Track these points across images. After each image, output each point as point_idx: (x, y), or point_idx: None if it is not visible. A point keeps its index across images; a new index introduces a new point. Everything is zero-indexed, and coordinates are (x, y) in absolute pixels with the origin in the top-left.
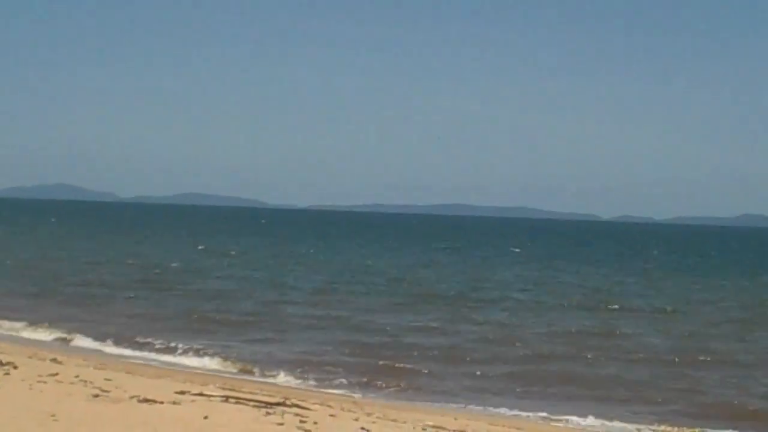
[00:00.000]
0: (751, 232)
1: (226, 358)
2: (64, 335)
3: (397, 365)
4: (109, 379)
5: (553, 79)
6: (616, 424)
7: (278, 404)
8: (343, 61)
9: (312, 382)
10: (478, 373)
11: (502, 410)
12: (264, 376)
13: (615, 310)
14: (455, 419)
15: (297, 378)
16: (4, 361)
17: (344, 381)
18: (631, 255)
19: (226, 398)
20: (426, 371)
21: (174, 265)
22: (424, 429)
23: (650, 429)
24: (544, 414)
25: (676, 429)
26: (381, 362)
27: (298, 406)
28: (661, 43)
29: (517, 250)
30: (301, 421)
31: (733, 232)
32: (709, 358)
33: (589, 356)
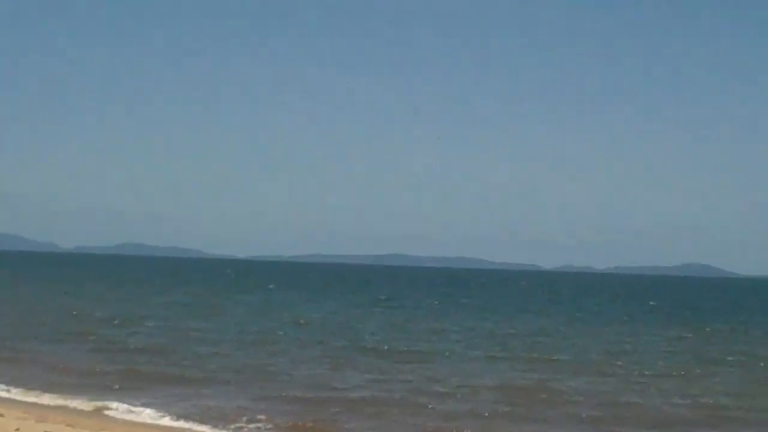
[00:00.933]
0: (692, 281)
1: (159, 411)
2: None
3: (322, 419)
4: None
5: (488, 128)
6: None
7: None
8: (283, 107)
9: None
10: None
11: None
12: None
13: (544, 360)
14: None
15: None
16: None
17: None
18: (568, 303)
19: None
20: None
21: (108, 315)
22: None
23: None
24: None
25: None
26: (304, 415)
27: None
28: (591, 92)
29: (466, 300)
30: None
31: (674, 281)
32: (630, 415)
33: (508, 410)
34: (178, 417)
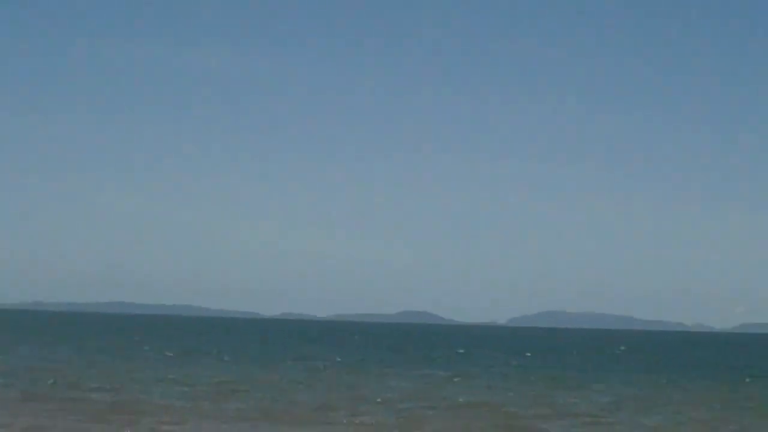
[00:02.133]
0: (411, 327)
1: None
2: None
3: None
4: None
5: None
6: None
7: None
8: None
9: None
10: None
11: None
12: None
13: None
14: None
15: None
16: None
17: None
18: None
19: None
20: None
21: None
22: None
23: None
24: None
25: None
26: None
27: None
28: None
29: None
30: None
31: (396, 328)
32: None
33: None
34: None
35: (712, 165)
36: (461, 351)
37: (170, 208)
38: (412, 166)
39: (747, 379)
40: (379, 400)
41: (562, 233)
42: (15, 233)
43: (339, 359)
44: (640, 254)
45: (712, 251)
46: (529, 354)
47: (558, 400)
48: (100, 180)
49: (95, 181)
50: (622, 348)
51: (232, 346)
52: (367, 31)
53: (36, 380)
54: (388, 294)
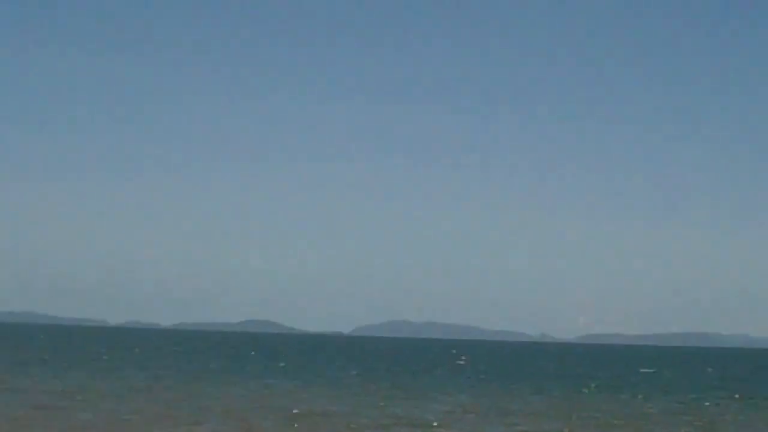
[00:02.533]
0: (255, 336)
1: None
2: None
3: None
4: None
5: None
6: None
7: None
8: None
9: None
10: None
11: None
12: None
13: None
14: None
15: None
16: None
17: None
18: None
19: None
20: None
21: None
22: None
23: None
24: None
25: None
26: None
27: None
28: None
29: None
30: None
31: (239, 337)
32: None
33: None
34: None
35: (552, 175)
36: (304, 360)
37: None
38: (254, 174)
39: (584, 390)
40: (219, 409)
41: (407, 243)
42: None
43: (182, 368)
44: (485, 264)
45: (556, 262)
46: (370, 363)
47: (397, 410)
48: None
49: None
50: (463, 358)
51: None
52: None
53: None
54: (231, 302)
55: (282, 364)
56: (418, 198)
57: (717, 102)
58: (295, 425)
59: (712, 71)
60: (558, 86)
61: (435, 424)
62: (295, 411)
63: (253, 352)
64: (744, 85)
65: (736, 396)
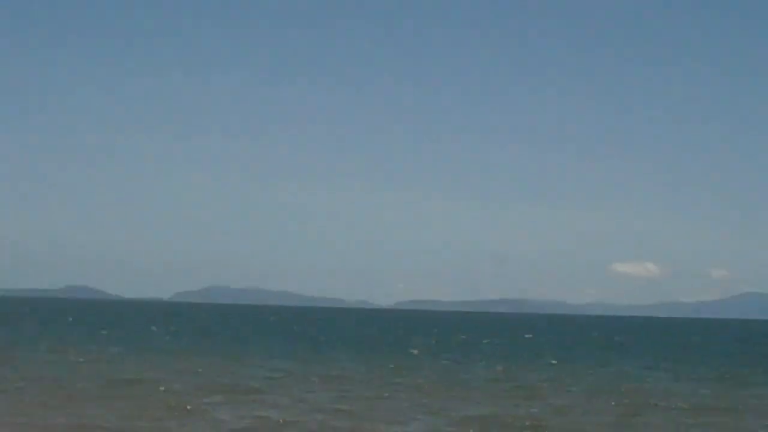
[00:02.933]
0: (75, 303)
1: None
2: None
3: None
4: None
5: None
6: None
7: None
8: None
9: None
10: None
11: None
12: None
13: None
14: None
15: None
16: None
17: None
18: None
19: None
20: None
21: None
22: None
23: None
24: None
25: None
26: None
27: None
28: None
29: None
30: None
31: (58, 303)
32: None
33: None
34: None
35: (379, 147)
36: (127, 327)
37: None
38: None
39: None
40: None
41: (227, 213)
42: None
43: None
44: (304, 233)
45: (374, 231)
46: (185, 329)
47: (216, 377)
48: None
49: None
50: (272, 318)
51: None
52: None
53: None
54: (50, 269)
55: (106, 332)
56: (237, 170)
57: None
58: (115, 393)
59: None
60: None
61: (253, 388)
62: (122, 377)
63: (70, 318)
64: None
65: (553, 362)
